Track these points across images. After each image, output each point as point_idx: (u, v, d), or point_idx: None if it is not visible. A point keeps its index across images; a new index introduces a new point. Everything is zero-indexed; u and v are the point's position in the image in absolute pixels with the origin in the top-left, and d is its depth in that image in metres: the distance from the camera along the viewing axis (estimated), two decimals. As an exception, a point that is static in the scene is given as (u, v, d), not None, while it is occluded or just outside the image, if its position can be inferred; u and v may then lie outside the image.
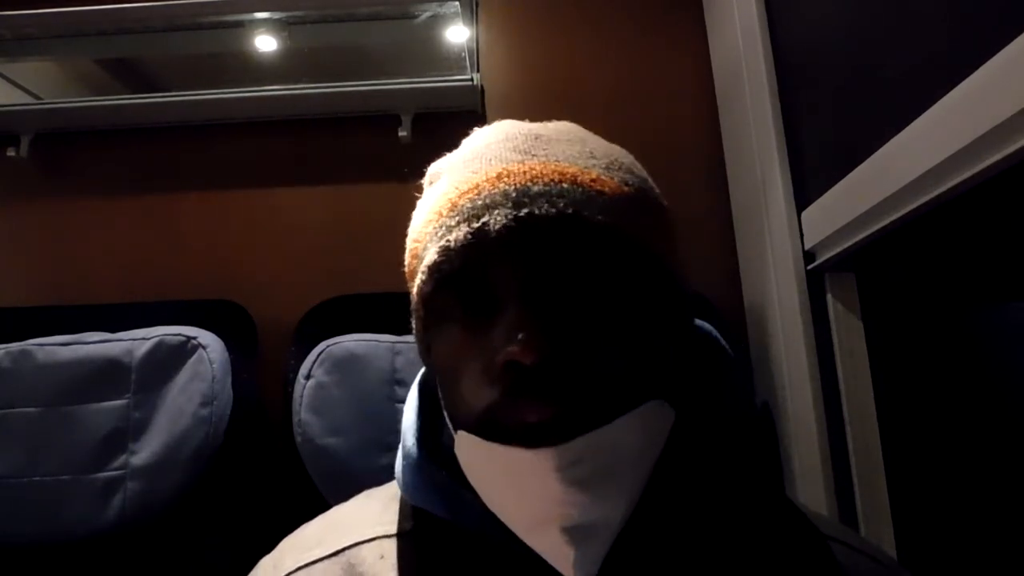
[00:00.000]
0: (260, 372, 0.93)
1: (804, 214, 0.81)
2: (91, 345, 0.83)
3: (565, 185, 0.35)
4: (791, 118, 0.85)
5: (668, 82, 1.09)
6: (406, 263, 0.42)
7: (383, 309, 0.93)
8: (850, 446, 0.74)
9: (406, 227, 0.43)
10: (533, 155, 0.37)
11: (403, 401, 0.81)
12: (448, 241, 0.35)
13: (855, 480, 0.74)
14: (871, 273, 0.79)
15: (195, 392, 0.80)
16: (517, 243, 0.34)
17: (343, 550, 0.40)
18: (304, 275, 1.03)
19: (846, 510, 0.74)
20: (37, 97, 1.12)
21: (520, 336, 0.32)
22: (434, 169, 0.43)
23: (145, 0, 1.02)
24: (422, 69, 1.07)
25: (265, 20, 1.04)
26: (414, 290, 0.39)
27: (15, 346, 0.83)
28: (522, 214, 0.34)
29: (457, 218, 0.36)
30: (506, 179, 0.36)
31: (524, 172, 0.36)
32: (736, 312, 0.98)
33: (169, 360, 0.82)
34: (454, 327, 0.36)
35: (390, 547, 0.40)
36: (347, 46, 1.13)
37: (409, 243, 0.42)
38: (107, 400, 0.80)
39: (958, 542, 0.81)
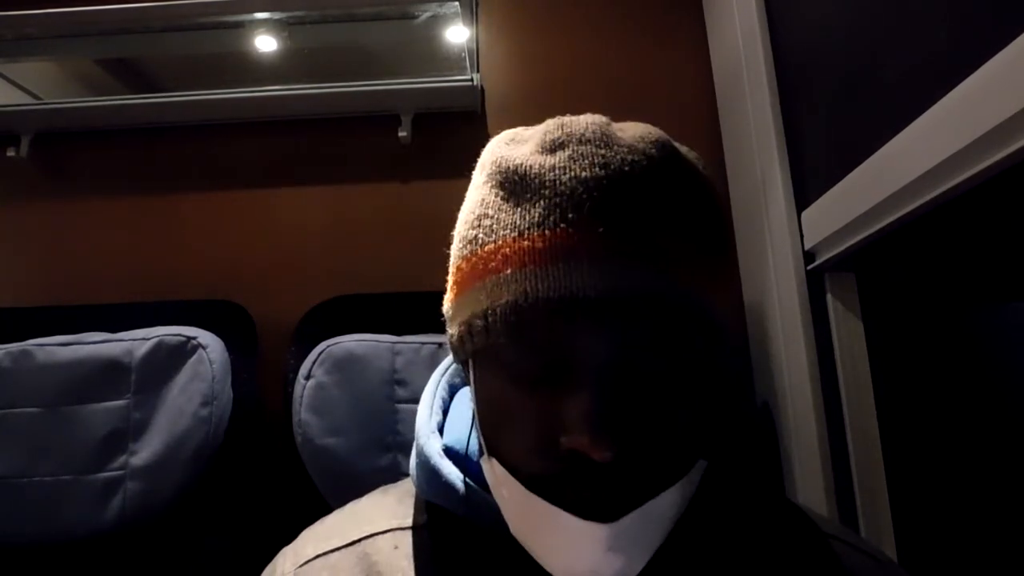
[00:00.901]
0: (260, 372, 0.93)
1: (804, 214, 0.80)
2: (91, 345, 0.83)
3: (661, 267, 0.33)
4: (791, 118, 0.85)
5: (668, 82, 1.09)
6: (463, 255, 0.38)
7: (383, 309, 0.93)
8: (850, 446, 0.74)
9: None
10: (625, 213, 0.34)
11: (403, 401, 0.81)
12: (530, 294, 0.33)
13: (855, 480, 0.74)
14: (871, 273, 0.78)
15: (195, 392, 0.80)
16: (605, 320, 0.33)
17: (359, 540, 0.42)
18: (304, 275, 1.03)
19: (846, 510, 0.74)
20: (37, 97, 1.12)
21: (594, 430, 0.31)
22: (507, 160, 0.38)
23: (145, 0, 1.02)
24: (422, 69, 1.07)
25: (265, 20, 1.04)
26: (473, 306, 0.36)
27: (15, 346, 0.83)
28: (615, 296, 0.32)
29: (544, 270, 0.33)
30: (601, 247, 0.33)
31: (620, 239, 0.33)
32: (736, 312, 0.98)
33: (169, 360, 0.82)
34: (514, 374, 0.35)
35: (404, 538, 0.41)
36: (347, 46, 1.13)
37: (465, 241, 0.39)
38: (107, 400, 0.80)
39: (958, 542, 0.81)
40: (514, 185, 0.37)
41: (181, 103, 1.06)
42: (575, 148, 0.36)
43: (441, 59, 1.09)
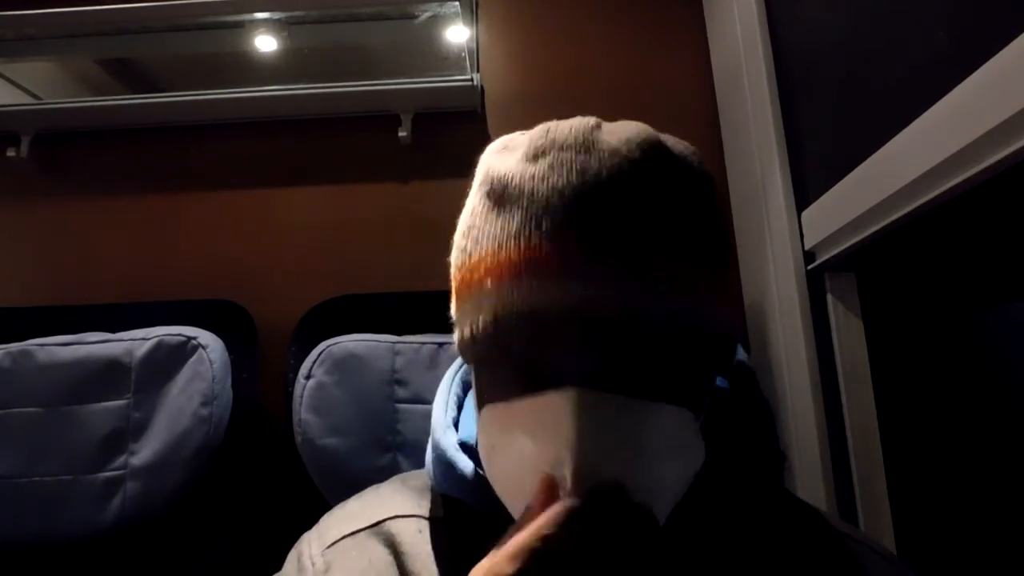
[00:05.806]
0: (260, 372, 0.93)
1: (804, 214, 0.80)
2: (91, 345, 0.83)
3: (644, 280, 0.33)
4: (791, 118, 0.85)
5: (668, 82, 1.09)
6: (456, 265, 0.39)
7: (383, 309, 0.93)
8: (850, 446, 0.74)
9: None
10: (603, 222, 0.33)
11: (403, 401, 0.81)
12: (505, 308, 0.33)
13: (855, 480, 0.74)
14: (871, 273, 0.78)
15: (195, 392, 0.80)
16: (580, 336, 0.32)
17: (383, 521, 0.43)
18: (304, 275, 1.03)
19: (846, 509, 0.74)
20: (37, 97, 1.12)
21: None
22: (493, 170, 0.38)
23: (145, 0, 1.02)
24: (422, 69, 1.07)
25: (265, 20, 1.04)
26: (466, 316, 0.37)
27: (15, 346, 0.83)
28: (589, 311, 0.32)
29: (518, 283, 0.33)
30: (575, 260, 0.33)
31: (596, 251, 0.33)
32: (736, 312, 0.98)
33: (169, 360, 0.82)
34: (505, 380, 0.35)
35: (426, 526, 0.42)
36: (347, 46, 1.13)
37: (458, 250, 0.39)
38: (107, 400, 0.80)
39: (958, 542, 0.81)
40: (498, 195, 0.37)
41: (181, 103, 1.06)
42: (556, 155, 0.35)
43: (441, 59, 1.09)
